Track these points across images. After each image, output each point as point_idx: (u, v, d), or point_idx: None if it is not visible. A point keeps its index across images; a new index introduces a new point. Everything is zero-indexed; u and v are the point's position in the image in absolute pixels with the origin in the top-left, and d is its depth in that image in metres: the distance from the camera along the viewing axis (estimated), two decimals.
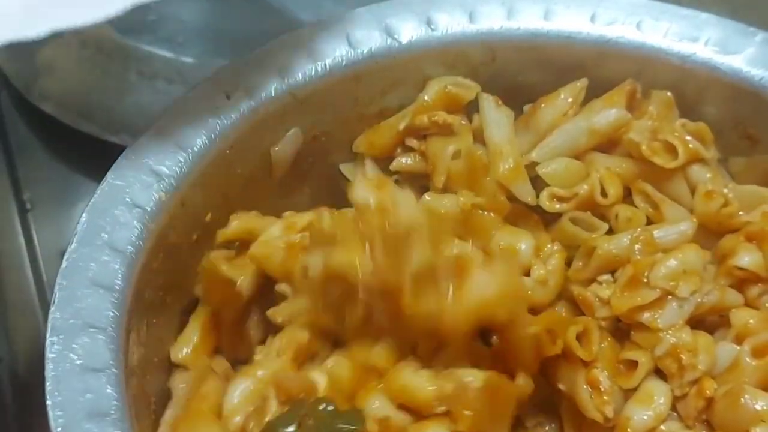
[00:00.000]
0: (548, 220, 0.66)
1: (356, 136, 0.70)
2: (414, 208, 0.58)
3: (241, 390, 0.58)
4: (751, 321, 0.60)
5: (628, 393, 0.58)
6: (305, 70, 0.66)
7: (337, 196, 0.70)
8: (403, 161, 0.69)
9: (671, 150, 0.65)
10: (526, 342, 0.58)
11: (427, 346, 0.59)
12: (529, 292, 0.61)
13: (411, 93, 0.69)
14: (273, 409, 0.56)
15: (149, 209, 0.59)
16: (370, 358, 0.59)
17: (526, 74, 0.70)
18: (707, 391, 0.58)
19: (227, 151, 0.64)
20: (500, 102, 0.68)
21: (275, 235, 0.63)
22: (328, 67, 0.67)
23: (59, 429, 0.50)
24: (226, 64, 0.66)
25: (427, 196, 0.65)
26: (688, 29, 0.68)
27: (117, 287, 0.56)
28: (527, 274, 0.62)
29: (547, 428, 0.61)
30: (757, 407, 0.56)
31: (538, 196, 0.65)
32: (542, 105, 0.67)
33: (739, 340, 0.59)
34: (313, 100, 0.67)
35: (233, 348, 0.64)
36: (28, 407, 0.75)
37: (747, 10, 0.71)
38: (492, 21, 0.69)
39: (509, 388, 0.57)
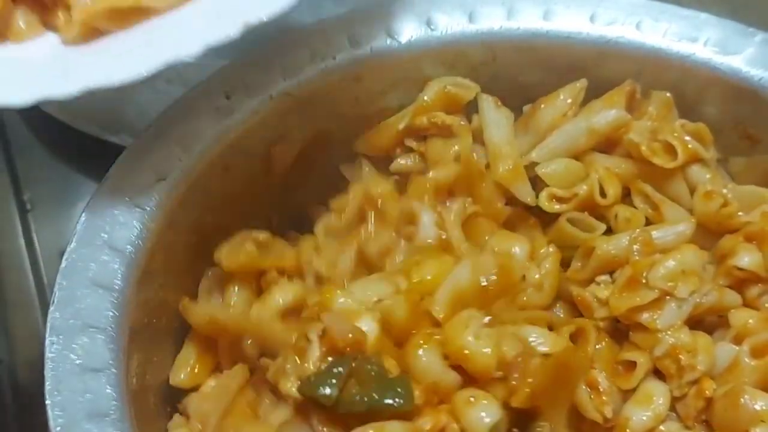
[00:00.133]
0: (545, 221, 0.66)
1: (356, 136, 0.70)
2: None
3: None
4: (751, 321, 0.60)
5: (627, 393, 0.58)
6: (305, 70, 0.66)
7: (337, 196, 0.70)
8: (403, 162, 0.69)
9: (671, 150, 0.65)
10: None
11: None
12: (525, 298, 0.61)
13: (411, 93, 0.69)
14: (315, 355, 0.55)
15: (149, 209, 0.59)
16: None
17: (526, 74, 0.70)
18: (706, 392, 0.58)
19: (227, 151, 0.64)
20: (500, 102, 0.68)
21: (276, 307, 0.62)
22: (328, 67, 0.67)
23: (59, 429, 0.50)
24: (226, 64, 0.66)
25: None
26: (688, 29, 0.68)
27: (117, 287, 0.56)
28: (523, 278, 0.62)
29: (547, 429, 0.61)
30: (757, 407, 0.56)
31: (537, 197, 0.65)
32: (542, 105, 0.67)
33: (738, 340, 0.59)
34: (313, 100, 0.67)
35: (233, 365, 0.63)
36: (27, 407, 0.75)
37: (746, 11, 0.72)
38: (492, 21, 0.69)
39: (582, 360, 0.56)
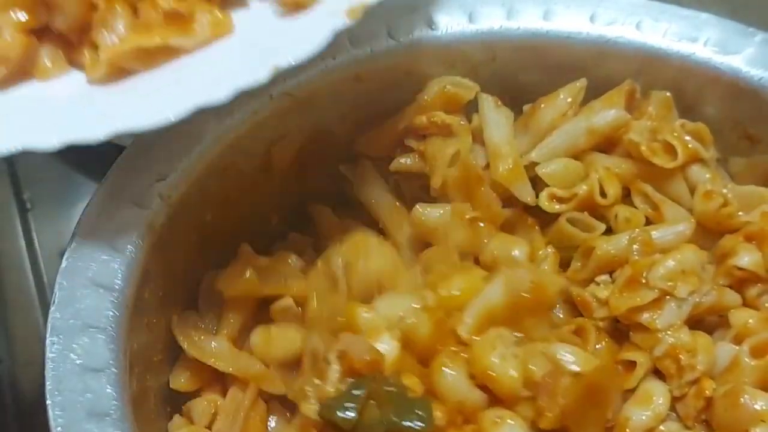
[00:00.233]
0: (544, 221, 0.66)
1: (356, 136, 0.70)
2: None
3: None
4: (751, 321, 0.60)
5: (627, 393, 0.58)
6: (305, 70, 0.66)
7: (337, 196, 0.70)
8: (402, 161, 0.68)
9: (670, 150, 0.65)
10: None
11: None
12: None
13: (411, 93, 0.69)
14: (334, 376, 0.54)
15: (149, 209, 0.59)
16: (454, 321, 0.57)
17: (526, 74, 0.70)
18: (706, 392, 0.58)
19: (227, 151, 0.64)
20: (499, 102, 0.68)
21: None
22: (328, 67, 0.67)
23: (59, 429, 0.50)
24: None
25: (418, 208, 0.65)
26: (688, 29, 0.68)
27: (117, 287, 0.56)
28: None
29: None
30: (757, 407, 0.56)
31: (537, 197, 0.65)
32: (542, 105, 0.67)
33: (738, 340, 0.59)
34: (313, 100, 0.67)
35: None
36: (27, 407, 0.75)
37: (746, 11, 0.72)
38: (492, 21, 0.69)
39: (615, 380, 0.55)
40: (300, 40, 0.57)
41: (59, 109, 0.58)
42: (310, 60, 0.57)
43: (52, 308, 0.55)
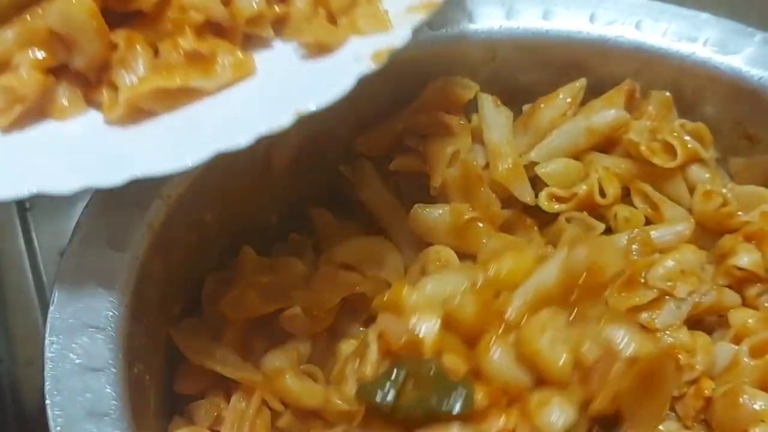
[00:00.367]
0: (543, 221, 0.66)
1: (356, 136, 0.70)
2: None
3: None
4: (750, 321, 0.60)
5: None
6: None
7: (337, 196, 0.70)
8: (402, 161, 0.69)
9: (670, 150, 0.65)
10: None
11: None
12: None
13: (411, 93, 0.69)
14: (373, 358, 0.53)
15: (149, 209, 0.59)
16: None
17: (526, 74, 0.70)
18: (705, 391, 0.58)
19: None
20: (499, 102, 0.68)
21: None
22: None
23: (58, 428, 0.50)
24: None
25: (418, 208, 0.65)
26: (687, 29, 0.68)
27: (116, 287, 0.56)
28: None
29: None
30: (756, 407, 0.56)
31: (536, 197, 0.65)
32: (541, 105, 0.68)
33: (737, 339, 0.59)
34: None
35: None
36: (27, 407, 0.75)
37: (746, 11, 0.71)
38: (492, 21, 0.69)
39: (672, 365, 0.53)
40: (323, 84, 0.56)
41: (76, 151, 0.56)
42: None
43: (52, 308, 0.55)
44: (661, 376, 0.53)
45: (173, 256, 0.62)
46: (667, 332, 0.58)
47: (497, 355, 0.53)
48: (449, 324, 0.54)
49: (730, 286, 0.61)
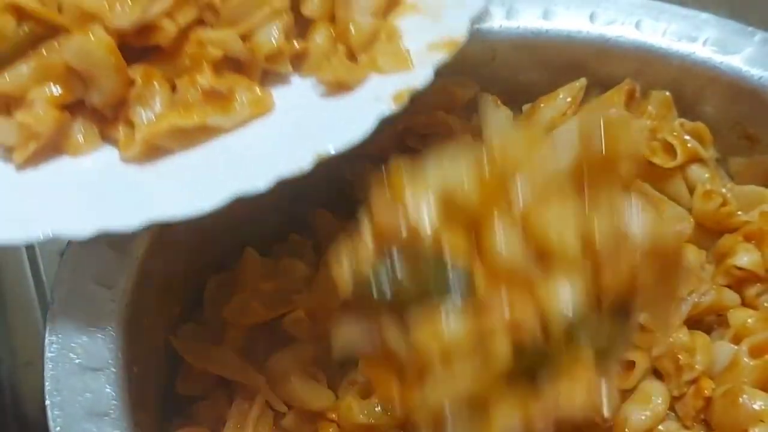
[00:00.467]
0: None
1: None
2: None
3: None
4: (750, 320, 0.60)
5: (626, 393, 0.58)
6: None
7: (337, 196, 0.70)
8: (402, 161, 0.68)
9: (670, 150, 0.65)
10: None
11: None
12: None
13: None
14: (368, 249, 0.50)
15: None
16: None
17: (526, 74, 0.70)
18: (705, 391, 0.58)
19: None
20: (499, 102, 0.68)
21: None
22: None
23: (58, 429, 0.50)
24: None
25: None
26: (687, 29, 0.68)
27: (117, 287, 0.56)
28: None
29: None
30: (756, 407, 0.56)
31: None
32: (541, 105, 0.68)
33: (737, 339, 0.59)
34: None
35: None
36: (27, 407, 0.75)
37: (746, 10, 0.71)
38: (492, 20, 0.69)
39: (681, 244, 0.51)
40: (343, 125, 0.55)
41: (92, 192, 0.55)
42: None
43: (52, 308, 0.55)
44: (674, 257, 0.49)
45: (173, 255, 0.62)
46: None
47: (501, 235, 0.48)
48: (451, 210, 0.49)
49: (729, 286, 0.61)
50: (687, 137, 0.65)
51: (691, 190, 0.65)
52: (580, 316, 0.46)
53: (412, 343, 0.46)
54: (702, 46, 0.67)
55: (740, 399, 0.56)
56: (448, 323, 0.46)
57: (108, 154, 0.57)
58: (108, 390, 0.52)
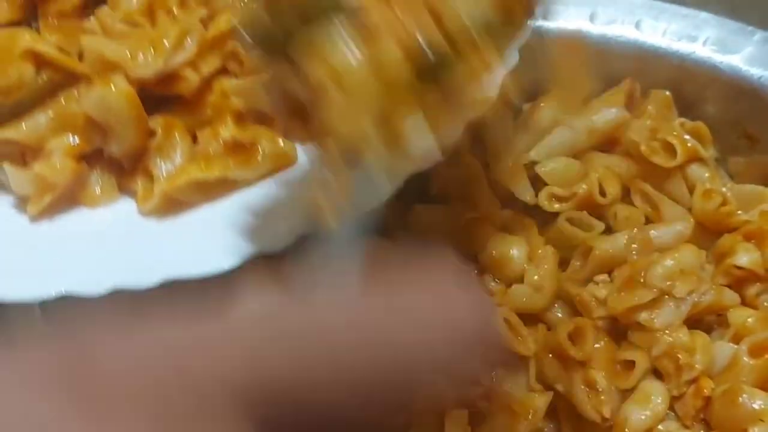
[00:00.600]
0: (543, 221, 0.66)
1: None
2: None
3: None
4: (749, 320, 0.60)
5: (626, 393, 0.58)
6: None
7: None
8: None
9: (670, 149, 0.65)
10: None
11: None
12: (524, 299, 0.61)
13: None
14: None
15: None
16: None
17: (526, 74, 0.70)
18: (705, 391, 0.58)
19: None
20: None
21: None
22: None
23: None
24: None
25: (417, 208, 0.65)
26: (687, 28, 0.68)
27: None
28: (521, 280, 0.62)
29: (545, 429, 0.61)
30: (755, 406, 0.56)
31: (536, 196, 0.65)
32: (541, 104, 0.67)
33: (736, 339, 0.59)
34: None
35: None
36: None
37: (746, 10, 0.71)
38: None
39: None
40: (366, 180, 0.51)
41: (107, 247, 0.54)
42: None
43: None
44: None
45: None
46: (667, 332, 0.58)
47: None
48: None
49: (729, 286, 0.61)
50: (687, 137, 0.65)
51: (691, 190, 0.65)
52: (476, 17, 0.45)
53: (305, 78, 0.44)
54: (702, 46, 0.67)
55: (740, 398, 0.56)
56: (336, 46, 0.43)
57: (125, 207, 0.56)
58: None
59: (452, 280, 0.41)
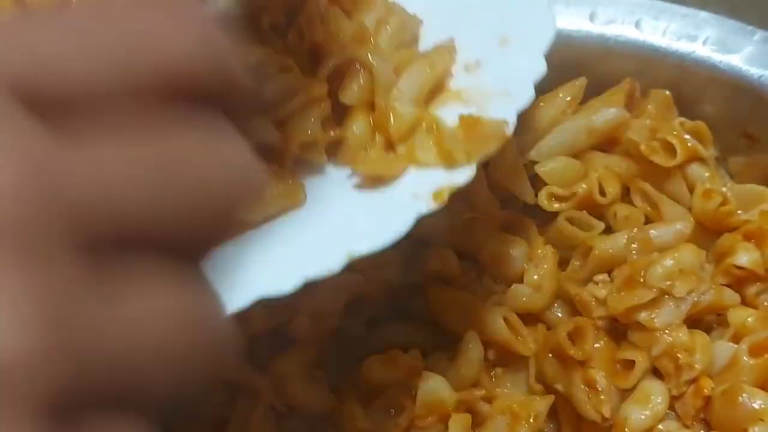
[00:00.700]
0: (542, 221, 0.66)
1: None
2: None
3: None
4: (749, 320, 0.60)
5: (626, 393, 0.58)
6: None
7: None
8: None
9: (670, 149, 0.65)
10: None
11: None
12: (524, 299, 0.61)
13: None
14: None
15: None
16: None
17: None
18: (705, 391, 0.58)
19: None
20: None
21: None
22: None
23: None
24: None
25: None
26: (687, 28, 0.68)
27: None
28: (521, 279, 0.62)
29: (545, 430, 0.61)
30: (755, 406, 0.56)
31: (536, 196, 0.65)
32: (541, 104, 0.67)
33: (736, 338, 0.59)
34: None
35: None
36: None
37: (746, 9, 0.71)
38: None
39: None
40: (378, 223, 0.51)
41: None
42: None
43: None
44: None
45: None
46: (666, 331, 0.58)
47: None
48: None
49: (729, 285, 0.61)
50: (687, 136, 0.65)
51: (691, 189, 0.65)
52: None
53: None
54: (702, 46, 0.67)
55: (740, 398, 0.56)
56: None
57: None
58: None
59: None
